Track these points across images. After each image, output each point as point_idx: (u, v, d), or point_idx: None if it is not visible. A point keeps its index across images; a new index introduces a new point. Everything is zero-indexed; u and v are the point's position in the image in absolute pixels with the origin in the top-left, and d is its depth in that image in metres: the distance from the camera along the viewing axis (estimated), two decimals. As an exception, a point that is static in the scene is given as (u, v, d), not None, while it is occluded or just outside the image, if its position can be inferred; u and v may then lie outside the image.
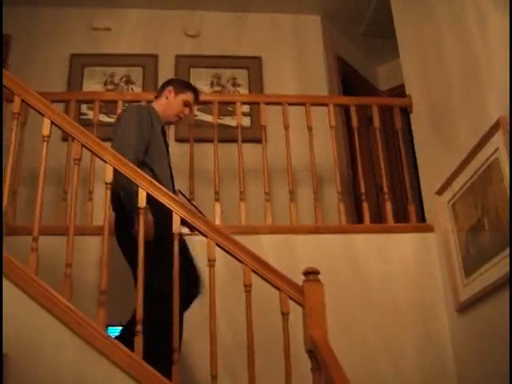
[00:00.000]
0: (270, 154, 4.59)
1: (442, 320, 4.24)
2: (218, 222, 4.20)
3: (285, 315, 3.13)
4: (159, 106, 3.85)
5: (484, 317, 3.80)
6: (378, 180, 4.68)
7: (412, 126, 4.93)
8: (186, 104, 3.86)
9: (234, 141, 4.61)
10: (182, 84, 3.97)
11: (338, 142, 4.98)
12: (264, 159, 4.51)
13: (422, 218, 4.71)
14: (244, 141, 4.63)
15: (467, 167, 3.91)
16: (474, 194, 3.86)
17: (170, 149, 4.16)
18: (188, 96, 3.87)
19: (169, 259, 3.09)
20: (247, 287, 3.20)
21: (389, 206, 4.53)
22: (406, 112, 4.99)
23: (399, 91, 5.47)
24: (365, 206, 4.45)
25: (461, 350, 4.08)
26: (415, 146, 4.88)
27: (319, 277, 3.11)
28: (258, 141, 4.67)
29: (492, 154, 3.63)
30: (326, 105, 4.76)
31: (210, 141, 4.63)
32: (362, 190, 4.52)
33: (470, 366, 3.97)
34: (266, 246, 3.77)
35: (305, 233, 4.32)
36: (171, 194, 3.25)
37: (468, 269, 3.94)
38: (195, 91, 3.93)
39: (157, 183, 3.26)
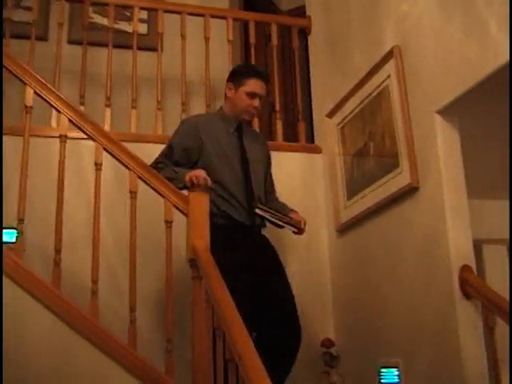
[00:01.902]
0: (165, 63, 4.51)
1: (323, 240, 4.39)
2: (107, 127, 4.11)
3: (168, 223, 3.16)
4: (227, 106, 3.60)
5: (361, 238, 3.96)
6: (272, 98, 4.70)
7: (309, 47, 4.96)
8: (252, 95, 3.48)
9: (130, 47, 4.49)
10: (239, 74, 3.57)
11: (235, 57, 4.94)
12: (158, 68, 4.43)
13: (311, 139, 4.78)
14: (139, 48, 4.52)
15: (358, 92, 3.98)
16: (362, 119, 3.95)
17: (63, 51, 4.04)
18: (249, 86, 3.48)
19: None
20: (132, 193, 3.20)
21: (280, 125, 4.58)
22: (304, 33, 5.00)
23: (300, 12, 5.46)
24: (256, 122, 4.47)
25: (337, 270, 4.25)
26: (310, 68, 4.92)
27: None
28: (154, 49, 4.57)
29: (383, 81, 3.71)
30: (225, 18, 4.70)
31: (104, 45, 4.49)
32: (255, 106, 4.52)
33: (342, 284, 4.16)
34: (155, 155, 3.72)
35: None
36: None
37: (351, 191, 4.06)
38: (258, 74, 3.53)
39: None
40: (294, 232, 3.49)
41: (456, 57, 3.10)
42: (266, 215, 3.36)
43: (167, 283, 3.13)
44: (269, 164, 3.74)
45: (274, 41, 4.77)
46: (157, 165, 3.40)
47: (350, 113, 4.10)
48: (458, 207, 3.18)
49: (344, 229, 4.13)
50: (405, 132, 3.45)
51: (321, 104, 4.64)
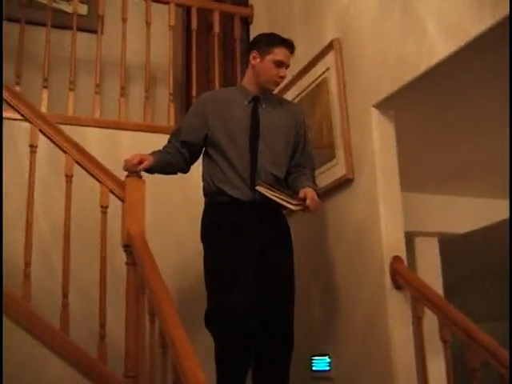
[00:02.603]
0: (105, 46, 4.46)
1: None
2: (43, 109, 4.05)
3: (104, 208, 3.14)
4: (248, 76, 3.34)
5: (297, 228, 3.98)
6: (212, 86, 4.69)
7: (250, 36, 4.96)
8: (278, 64, 3.22)
9: (69, 28, 4.43)
10: (265, 42, 3.29)
11: (176, 42, 4.92)
12: (98, 50, 4.38)
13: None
14: (79, 29, 4.46)
15: (298, 83, 4.02)
16: (301, 110, 3.98)
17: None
18: (277, 54, 3.22)
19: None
20: (68, 177, 3.16)
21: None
22: (246, 22, 5.01)
23: (243, 1, 5.45)
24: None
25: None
26: (251, 57, 4.92)
27: (142, 174, 3.13)
28: (94, 31, 4.51)
29: (323, 74, 3.75)
30: (167, 3, 4.66)
31: (43, 24, 4.41)
32: (194, 94, 4.52)
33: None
34: (92, 139, 3.71)
35: (132, 130, 4.29)
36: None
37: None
38: (285, 43, 3.26)
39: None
40: (295, 210, 3.13)
41: (393, 52, 3.17)
42: (268, 194, 3.05)
43: (101, 268, 3.11)
44: (298, 133, 3.34)
45: (216, 28, 4.76)
46: (164, 146, 3.35)
47: (289, 103, 4.12)
48: (391, 199, 3.25)
49: (281, 218, 4.16)
50: (341, 124, 3.51)
51: (260, 93, 4.65)
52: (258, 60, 3.25)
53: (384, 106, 3.29)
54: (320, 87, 3.77)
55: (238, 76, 4.77)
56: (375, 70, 3.31)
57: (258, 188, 3.06)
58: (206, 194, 3.25)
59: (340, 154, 3.51)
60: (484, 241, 5.88)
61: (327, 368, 3.55)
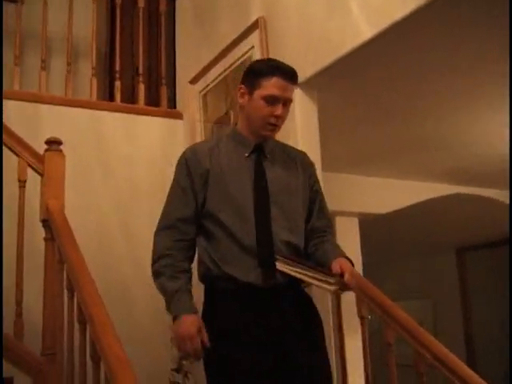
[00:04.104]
0: (25, 16, 4.35)
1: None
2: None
3: (22, 182, 3.07)
4: (241, 120, 2.56)
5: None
6: (135, 61, 4.63)
7: (176, 12, 4.92)
8: (271, 100, 2.39)
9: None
10: (254, 72, 2.48)
11: (100, 16, 4.83)
12: (18, 21, 4.26)
13: (174, 105, 4.77)
14: (-2, -2, 4.33)
15: (222, 61, 4.00)
16: (225, 88, 3.98)
17: None
18: (266, 88, 2.40)
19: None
20: (-16, 151, 3.08)
21: (142, 88, 4.53)
22: (173, -4, 4.96)
23: (169, -25, 5.40)
24: (118, 84, 4.41)
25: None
26: (176, 33, 4.89)
27: (62, 148, 3.08)
28: (14, 1, 4.38)
29: (247, 52, 3.74)
30: (90, -26, 4.57)
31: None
32: (117, 69, 4.46)
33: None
34: (11, 113, 3.60)
35: (53, 103, 4.19)
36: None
37: (210, 159, 4.09)
38: (279, 71, 2.43)
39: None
40: (331, 291, 2.37)
41: (318, 32, 3.20)
42: (295, 272, 2.30)
43: (18, 244, 3.04)
44: (313, 189, 2.61)
45: (141, 3, 4.69)
46: (161, 259, 2.39)
47: (213, 80, 4.11)
48: (312, 179, 3.28)
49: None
50: (265, 103, 3.51)
51: (185, 70, 4.63)
52: (247, 97, 2.46)
53: (307, 85, 3.31)
54: (244, 65, 3.76)
55: (162, 52, 4.71)
56: (299, 50, 3.32)
57: (278, 266, 2.32)
58: (204, 279, 2.46)
59: (263, 132, 3.51)
60: (403, 222, 6.04)
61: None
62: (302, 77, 3.26)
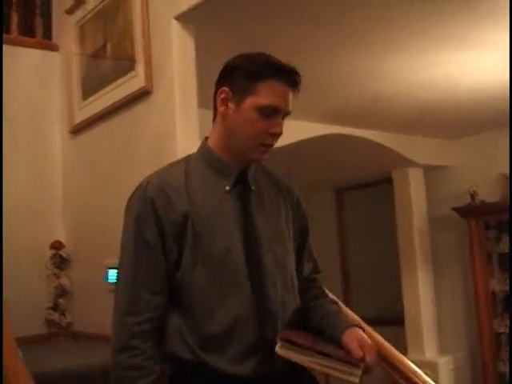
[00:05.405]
0: None
1: (56, 141, 4.29)
2: None
3: None
4: (216, 136, 1.84)
5: (94, 140, 3.94)
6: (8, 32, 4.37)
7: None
8: (268, 111, 1.74)
9: None
10: (245, 73, 1.75)
11: None
12: None
13: (49, 35, 4.57)
14: None
15: (101, -11, 3.87)
16: (104, 19, 3.84)
17: None
18: (266, 94, 1.73)
19: None
20: None
21: (15, 18, 4.31)
22: None
23: None
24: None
25: (69, 171, 4.20)
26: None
27: None
28: None
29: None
30: None
31: None
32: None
33: (74, 186, 4.13)
34: None
35: None
36: None
37: (86, 92, 3.99)
38: (281, 71, 1.74)
39: None
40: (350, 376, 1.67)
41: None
42: (297, 358, 1.67)
43: None
44: (303, 232, 2.00)
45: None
46: (125, 352, 1.69)
47: (91, 11, 3.97)
48: (187, 114, 3.26)
49: (78, 130, 4.06)
50: (142, 35, 3.43)
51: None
52: (232, 106, 1.77)
53: (185, 18, 3.24)
54: (122, -3, 3.66)
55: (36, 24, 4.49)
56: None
57: (280, 352, 1.66)
58: (169, 360, 1.76)
59: (139, 65, 3.44)
60: (282, 160, 6.11)
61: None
62: (179, 9, 3.23)
